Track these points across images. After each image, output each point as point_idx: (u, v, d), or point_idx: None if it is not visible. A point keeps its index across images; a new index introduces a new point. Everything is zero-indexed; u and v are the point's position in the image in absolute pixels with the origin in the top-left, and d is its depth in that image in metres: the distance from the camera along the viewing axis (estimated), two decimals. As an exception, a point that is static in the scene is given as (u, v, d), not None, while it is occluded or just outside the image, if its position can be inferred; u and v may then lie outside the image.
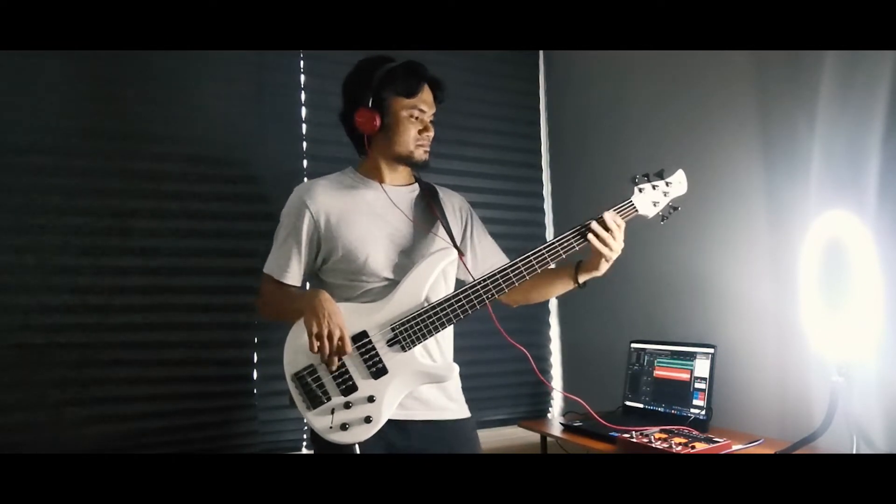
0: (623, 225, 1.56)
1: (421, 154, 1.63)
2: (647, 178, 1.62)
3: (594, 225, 1.54)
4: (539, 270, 1.55)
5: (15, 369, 1.87)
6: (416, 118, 1.61)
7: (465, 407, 1.69)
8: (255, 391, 2.15)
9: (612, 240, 1.54)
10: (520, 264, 1.54)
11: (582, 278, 1.64)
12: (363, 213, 1.61)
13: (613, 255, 1.56)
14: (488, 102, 2.60)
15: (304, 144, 2.28)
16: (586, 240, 1.54)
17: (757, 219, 1.91)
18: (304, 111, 2.29)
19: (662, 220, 1.66)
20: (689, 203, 1.68)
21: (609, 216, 1.55)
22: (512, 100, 2.67)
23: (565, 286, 1.69)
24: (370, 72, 1.59)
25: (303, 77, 2.29)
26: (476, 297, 1.53)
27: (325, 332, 1.43)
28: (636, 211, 1.60)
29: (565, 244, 1.55)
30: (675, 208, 1.66)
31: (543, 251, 1.55)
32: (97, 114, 2.00)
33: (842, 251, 1.65)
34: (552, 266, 1.56)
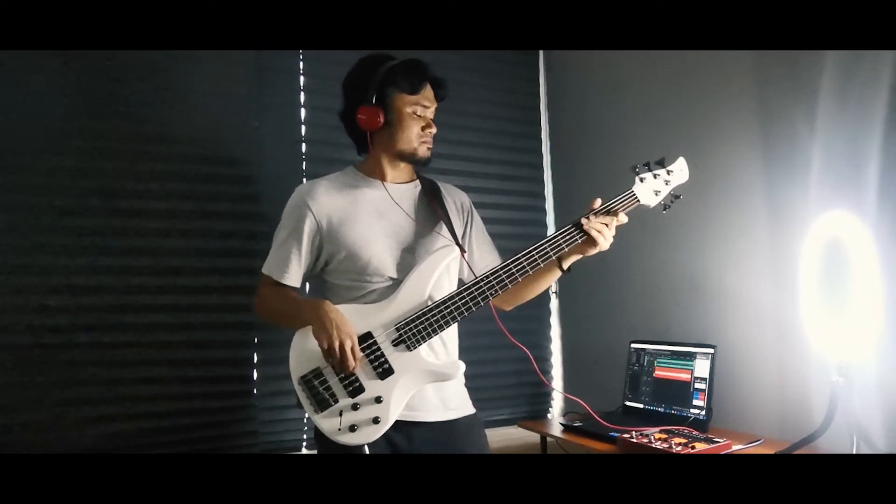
0: (616, 221, 1.56)
1: (424, 151, 1.63)
2: (648, 167, 1.62)
3: (593, 212, 1.55)
4: (542, 265, 1.55)
5: (15, 369, 1.87)
6: (419, 115, 1.60)
7: (469, 403, 1.68)
8: (255, 391, 2.15)
9: (607, 230, 1.55)
10: (522, 259, 1.54)
11: (566, 263, 1.64)
12: (365, 214, 1.61)
13: (605, 246, 1.57)
14: (488, 102, 2.60)
15: (304, 145, 2.28)
16: (584, 231, 1.54)
17: (757, 219, 1.91)
18: (303, 112, 2.29)
19: (665, 209, 1.65)
20: (690, 203, 1.68)
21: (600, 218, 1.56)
22: (512, 100, 2.67)
23: (553, 276, 1.68)
24: (372, 69, 1.59)
25: (302, 78, 2.29)
26: (480, 294, 1.52)
27: (337, 344, 1.43)
28: (638, 201, 1.60)
29: (567, 236, 1.55)
30: (677, 197, 1.65)
31: (545, 244, 1.55)
32: (96, 114, 2.00)
33: (842, 251, 1.65)
34: (553, 258, 1.56)
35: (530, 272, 1.54)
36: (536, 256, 1.54)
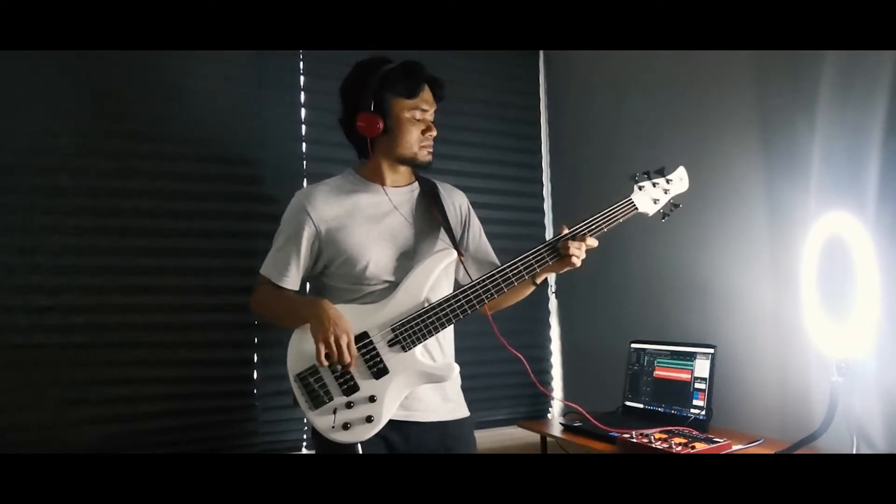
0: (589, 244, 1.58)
1: (425, 155, 1.63)
2: (648, 175, 1.63)
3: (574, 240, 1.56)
4: (538, 269, 1.56)
5: (15, 369, 1.87)
6: (419, 119, 1.61)
7: (465, 406, 1.69)
8: (255, 391, 2.15)
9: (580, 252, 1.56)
10: (518, 264, 1.55)
11: (539, 278, 1.66)
12: (364, 218, 1.61)
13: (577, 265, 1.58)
14: (488, 102, 2.60)
15: (304, 145, 2.28)
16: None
17: (757, 219, 1.91)
18: (303, 112, 2.29)
19: (664, 217, 1.66)
20: (690, 203, 1.68)
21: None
22: (512, 100, 2.67)
23: (528, 289, 1.72)
24: (368, 74, 1.58)
25: (302, 77, 2.29)
26: (476, 297, 1.53)
27: (333, 339, 1.44)
28: (636, 209, 1.61)
29: (548, 252, 1.57)
30: (677, 205, 1.66)
31: (541, 249, 1.56)
32: (97, 114, 2.00)
33: (842, 251, 1.65)
34: (550, 262, 1.57)
35: (525, 276, 1.55)
36: (532, 260, 1.55)
